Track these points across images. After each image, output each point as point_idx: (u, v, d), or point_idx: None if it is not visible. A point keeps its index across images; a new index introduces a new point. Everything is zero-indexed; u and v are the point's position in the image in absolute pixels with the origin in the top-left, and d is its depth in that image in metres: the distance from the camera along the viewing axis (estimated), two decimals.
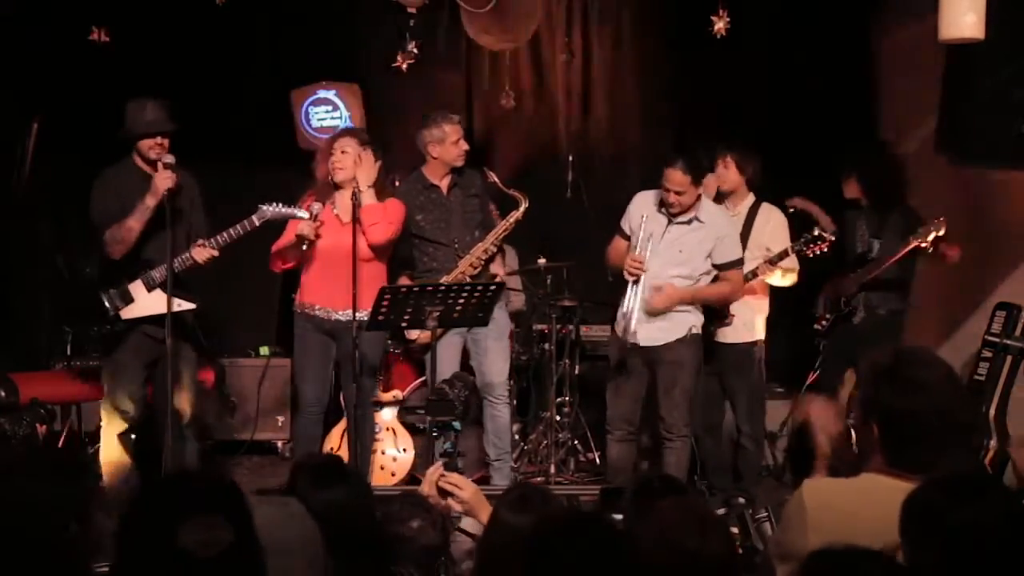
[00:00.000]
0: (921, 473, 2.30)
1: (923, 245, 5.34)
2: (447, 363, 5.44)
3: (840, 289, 5.75)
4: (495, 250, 5.55)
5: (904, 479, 2.32)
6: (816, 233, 5.42)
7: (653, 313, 5.06)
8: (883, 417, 2.38)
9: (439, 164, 5.50)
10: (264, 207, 4.93)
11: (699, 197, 5.12)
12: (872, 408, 2.41)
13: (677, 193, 5.00)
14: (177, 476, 1.95)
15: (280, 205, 4.96)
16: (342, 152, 5.17)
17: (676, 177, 4.99)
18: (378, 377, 5.68)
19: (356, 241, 5.06)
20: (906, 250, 5.40)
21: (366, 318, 4.98)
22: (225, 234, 4.92)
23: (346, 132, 5.34)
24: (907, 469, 2.34)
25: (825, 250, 5.45)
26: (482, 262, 5.50)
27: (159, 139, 4.86)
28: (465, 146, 5.50)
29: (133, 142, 4.90)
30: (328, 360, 5.31)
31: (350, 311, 5.10)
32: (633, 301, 5.11)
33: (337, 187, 5.22)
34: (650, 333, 5.11)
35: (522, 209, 5.49)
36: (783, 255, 5.47)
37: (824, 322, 5.87)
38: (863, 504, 2.23)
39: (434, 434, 4.08)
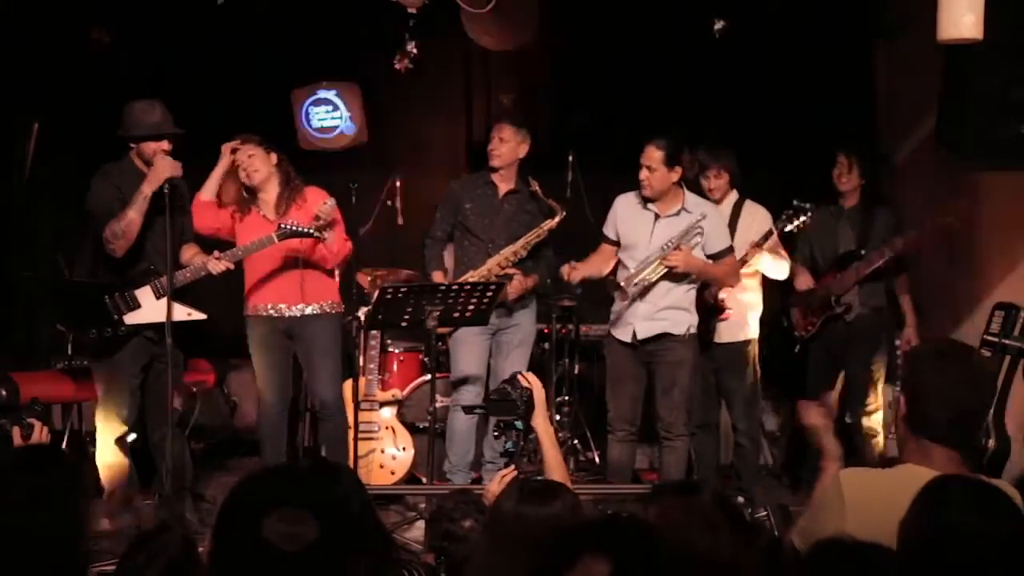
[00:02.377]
0: (945, 444, 2.47)
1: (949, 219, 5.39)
2: (471, 363, 5.47)
3: (831, 289, 5.71)
4: (524, 255, 5.55)
5: (943, 471, 2.40)
6: (795, 204, 5.47)
7: (671, 270, 5.10)
8: (914, 389, 2.55)
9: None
10: (283, 225, 5.02)
11: (680, 187, 5.17)
12: (907, 384, 2.59)
13: (648, 168, 5.06)
14: (272, 468, 1.93)
15: (297, 224, 5.03)
16: (249, 156, 5.24)
17: (649, 152, 5.06)
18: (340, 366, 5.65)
19: (356, 245, 5.12)
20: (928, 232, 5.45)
21: (316, 312, 5.24)
22: (241, 249, 5.01)
23: (244, 140, 5.36)
24: (933, 439, 2.50)
25: (808, 220, 5.50)
26: (510, 263, 5.51)
27: (164, 143, 4.87)
28: (492, 147, 5.56)
29: (137, 143, 4.89)
30: (288, 358, 5.36)
31: (302, 305, 5.24)
32: (632, 301, 5.14)
33: (253, 192, 5.27)
34: (649, 327, 5.14)
35: (557, 219, 5.52)
36: (767, 235, 5.49)
37: (810, 327, 5.81)
38: (900, 494, 2.27)
39: (495, 434, 4.14)
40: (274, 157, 5.29)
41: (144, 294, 4.89)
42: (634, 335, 5.18)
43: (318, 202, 5.17)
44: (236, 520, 1.78)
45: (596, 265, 5.35)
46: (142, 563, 2.28)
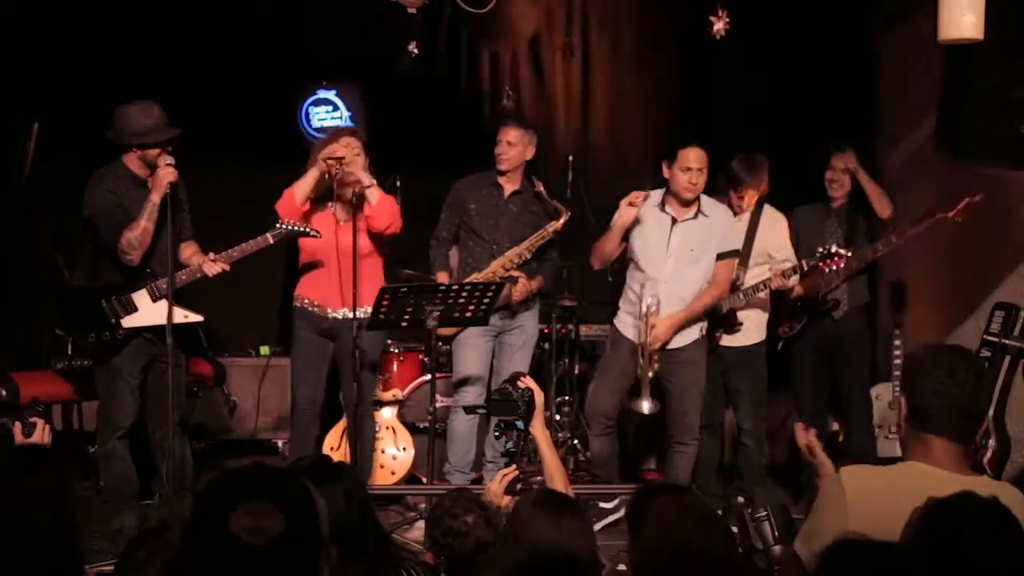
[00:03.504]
0: (945, 437, 2.48)
1: (950, 215, 5.32)
2: (473, 365, 5.47)
3: (817, 286, 5.63)
4: (528, 256, 5.54)
5: (944, 468, 2.43)
6: (833, 249, 5.31)
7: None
8: (913, 385, 2.59)
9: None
10: (279, 225, 4.99)
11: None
12: (907, 382, 2.62)
13: (699, 171, 5.03)
14: (244, 466, 1.96)
15: (294, 224, 5.01)
16: (356, 154, 5.15)
17: (699, 154, 5.03)
18: (378, 375, 5.70)
19: (356, 240, 5.09)
20: (930, 223, 5.37)
21: (360, 316, 5.08)
22: (237, 250, 4.97)
23: (348, 131, 5.34)
24: (934, 432, 2.51)
25: (841, 266, 5.35)
26: (514, 264, 5.50)
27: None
28: (499, 150, 5.50)
29: (140, 148, 4.88)
30: (324, 360, 5.32)
31: (346, 309, 5.16)
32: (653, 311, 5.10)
33: (331, 189, 5.23)
34: (678, 336, 5.15)
35: (562, 220, 5.50)
36: (795, 270, 5.45)
37: (794, 325, 5.73)
38: (902, 491, 2.28)
39: (496, 434, 4.16)
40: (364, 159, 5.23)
41: (140, 297, 4.89)
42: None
43: (381, 207, 5.12)
44: (205, 515, 1.80)
45: (603, 256, 5.32)
46: (142, 559, 2.28)
